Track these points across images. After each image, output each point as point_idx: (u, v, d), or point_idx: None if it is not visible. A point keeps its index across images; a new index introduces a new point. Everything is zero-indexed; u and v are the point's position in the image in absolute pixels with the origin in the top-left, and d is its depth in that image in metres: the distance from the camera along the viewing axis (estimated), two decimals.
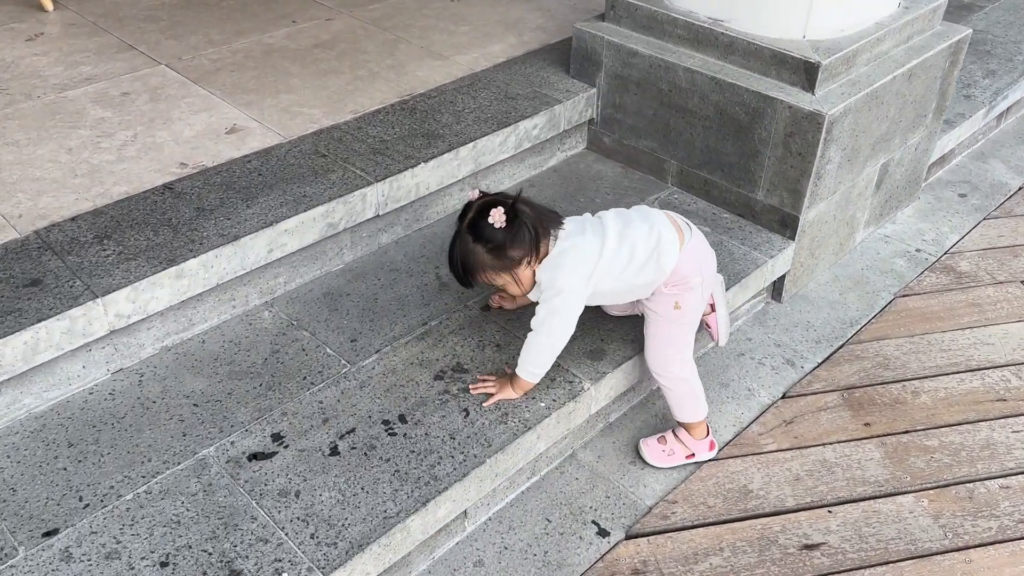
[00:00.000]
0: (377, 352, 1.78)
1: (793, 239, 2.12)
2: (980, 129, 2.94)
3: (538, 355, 1.62)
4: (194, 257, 1.71)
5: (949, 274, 2.38)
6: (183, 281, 1.71)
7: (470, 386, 1.69)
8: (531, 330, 1.62)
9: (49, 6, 2.76)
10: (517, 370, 1.64)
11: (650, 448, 1.81)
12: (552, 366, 1.68)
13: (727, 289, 1.97)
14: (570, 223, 1.65)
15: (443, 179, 2.13)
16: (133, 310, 1.66)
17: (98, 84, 2.33)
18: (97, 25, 2.67)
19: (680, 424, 1.80)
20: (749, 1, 2.06)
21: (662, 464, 1.80)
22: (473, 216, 1.59)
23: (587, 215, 1.72)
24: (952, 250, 2.48)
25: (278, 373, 1.72)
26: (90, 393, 1.66)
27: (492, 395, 1.67)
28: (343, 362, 1.75)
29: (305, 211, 1.86)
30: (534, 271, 1.62)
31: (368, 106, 2.29)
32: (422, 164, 2.05)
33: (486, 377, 1.71)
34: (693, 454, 1.80)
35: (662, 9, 2.21)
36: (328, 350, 1.78)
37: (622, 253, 1.61)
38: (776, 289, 2.22)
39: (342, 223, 1.95)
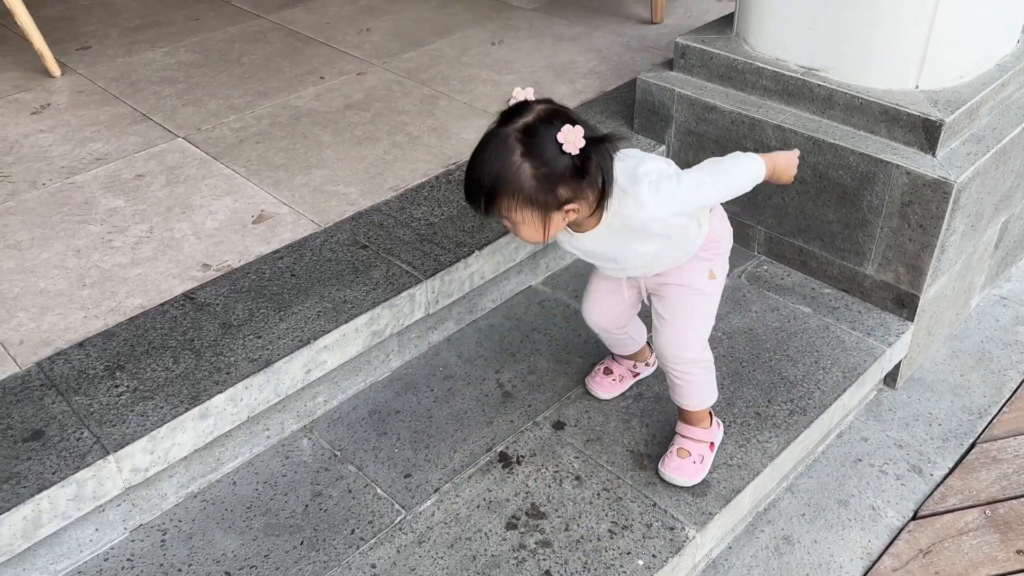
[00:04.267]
0: (436, 491, 1.51)
1: (911, 320, 1.82)
2: None
3: (739, 177, 1.36)
4: (220, 392, 1.46)
5: None
6: (208, 421, 1.46)
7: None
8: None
9: (56, 71, 2.54)
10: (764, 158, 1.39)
11: (680, 468, 1.50)
12: (648, 506, 1.40)
13: (843, 387, 1.68)
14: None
15: (499, 265, 1.86)
16: (151, 462, 1.40)
17: (109, 165, 2.09)
18: (108, 92, 2.44)
19: (685, 422, 1.53)
20: (850, 47, 1.77)
21: (696, 478, 1.50)
22: (532, 121, 1.20)
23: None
24: None
25: (321, 525, 1.46)
26: (105, 560, 1.42)
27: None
28: (397, 507, 1.49)
29: (346, 322, 1.60)
30: (569, 220, 1.26)
31: (410, 180, 2.02)
32: (476, 253, 1.78)
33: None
34: (712, 443, 1.54)
35: (744, 57, 1.92)
36: (378, 490, 1.52)
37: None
38: (890, 374, 1.92)
39: (388, 329, 1.68)
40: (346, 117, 2.30)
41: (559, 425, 1.63)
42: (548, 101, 1.25)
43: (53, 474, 1.32)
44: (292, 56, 2.63)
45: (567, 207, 1.22)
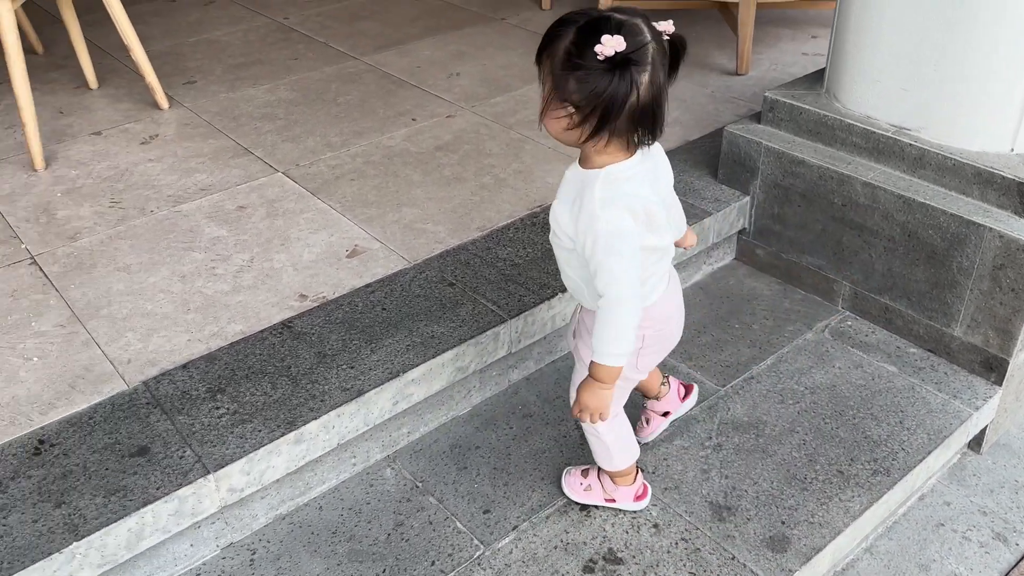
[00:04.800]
0: (514, 529, 1.54)
1: (1000, 384, 1.79)
2: None
3: (613, 330, 1.24)
4: (315, 419, 1.52)
5: None
6: (302, 446, 1.52)
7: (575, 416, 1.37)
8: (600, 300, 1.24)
9: (165, 104, 2.69)
10: (593, 358, 1.27)
11: (570, 478, 1.59)
12: (726, 559, 1.41)
13: (928, 450, 1.66)
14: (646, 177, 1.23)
15: None
16: (247, 483, 1.47)
17: (213, 196, 2.21)
18: (212, 126, 2.57)
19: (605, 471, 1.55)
20: (943, 109, 1.77)
21: (577, 497, 1.57)
22: (603, 18, 1.11)
23: (658, 181, 1.31)
24: None
25: (403, 555, 1.50)
26: (197, 575, 1.48)
27: (583, 407, 1.32)
28: (476, 542, 1.52)
29: (434, 356, 1.65)
30: (562, 127, 1.17)
31: (496, 220, 2.08)
32: (559, 295, 1.82)
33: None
34: (614, 500, 1.55)
35: (834, 114, 1.94)
36: (458, 524, 1.55)
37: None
38: (975, 438, 1.88)
39: (472, 366, 1.73)
40: (436, 158, 2.38)
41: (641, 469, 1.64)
42: (651, 29, 1.14)
43: (157, 489, 1.39)
44: (385, 98, 2.74)
45: (564, 103, 1.14)
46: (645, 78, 1.12)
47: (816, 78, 2.12)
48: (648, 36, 1.12)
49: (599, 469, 1.56)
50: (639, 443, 1.61)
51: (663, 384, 1.66)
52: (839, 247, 1.97)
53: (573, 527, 1.54)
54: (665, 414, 1.67)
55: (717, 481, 1.62)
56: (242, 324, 1.75)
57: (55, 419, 1.53)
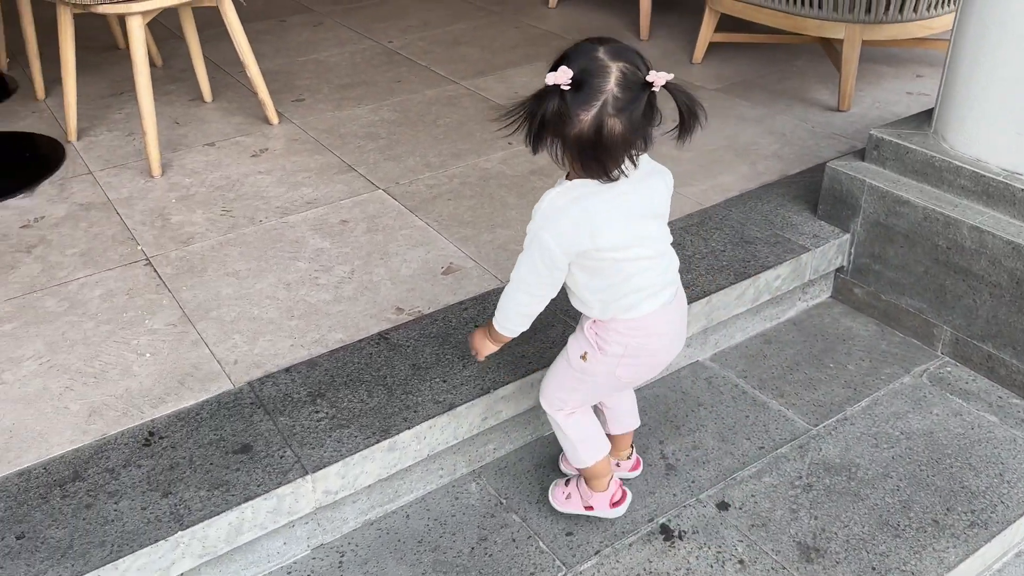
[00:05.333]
0: (597, 553, 1.54)
1: None
2: None
3: (509, 308, 1.39)
4: (408, 429, 1.56)
5: None
6: (394, 454, 1.56)
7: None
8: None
9: (275, 119, 2.82)
10: (493, 320, 1.43)
11: (556, 488, 1.63)
12: None
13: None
14: (635, 188, 1.28)
15: None
16: (342, 486, 1.52)
17: (318, 209, 2.30)
18: (319, 142, 2.68)
19: (578, 470, 1.57)
20: None
21: (560, 507, 1.61)
22: (574, 49, 1.21)
23: (652, 195, 1.32)
24: None
25: (486, 570, 1.52)
26: (288, 573, 1.53)
27: (471, 342, 1.49)
28: (558, 563, 1.53)
29: (524, 376, 1.68)
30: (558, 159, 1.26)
31: None
32: None
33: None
34: (592, 507, 1.57)
35: (942, 155, 1.90)
36: (541, 543, 1.57)
37: (608, 271, 1.31)
38: None
39: None
40: (530, 182, 2.42)
41: (723, 505, 1.63)
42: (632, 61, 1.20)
43: (258, 486, 1.45)
44: (483, 121, 2.81)
45: (550, 139, 1.24)
46: (586, 115, 1.17)
47: (923, 118, 2.08)
48: (610, 82, 1.17)
49: (578, 478, 1.60)
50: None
51: (628, 455, 1.68)
52: (941, 291, 1.92)
53: (656, 557, 1.54)
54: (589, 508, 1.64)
55: (806, 521, 1.59)
56: (342, 333, 1.81)
57: (165, 413, 1.62)
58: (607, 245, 1.29)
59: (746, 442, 1.78)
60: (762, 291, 2.00)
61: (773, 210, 2.22)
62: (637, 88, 1.18)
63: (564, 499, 1.61)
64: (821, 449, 1.75)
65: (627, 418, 1.64)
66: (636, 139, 1.21)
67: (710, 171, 2.44)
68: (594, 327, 1.40)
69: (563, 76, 1.16)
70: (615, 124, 1.18)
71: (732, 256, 2.03)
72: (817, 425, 1.81)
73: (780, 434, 1.79)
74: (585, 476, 1.57)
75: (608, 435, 1.61)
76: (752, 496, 1.65)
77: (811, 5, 2.74)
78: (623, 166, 1.25)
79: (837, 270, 2.15)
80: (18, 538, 1.35)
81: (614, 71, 1.17)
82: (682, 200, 2.29)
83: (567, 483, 1.63)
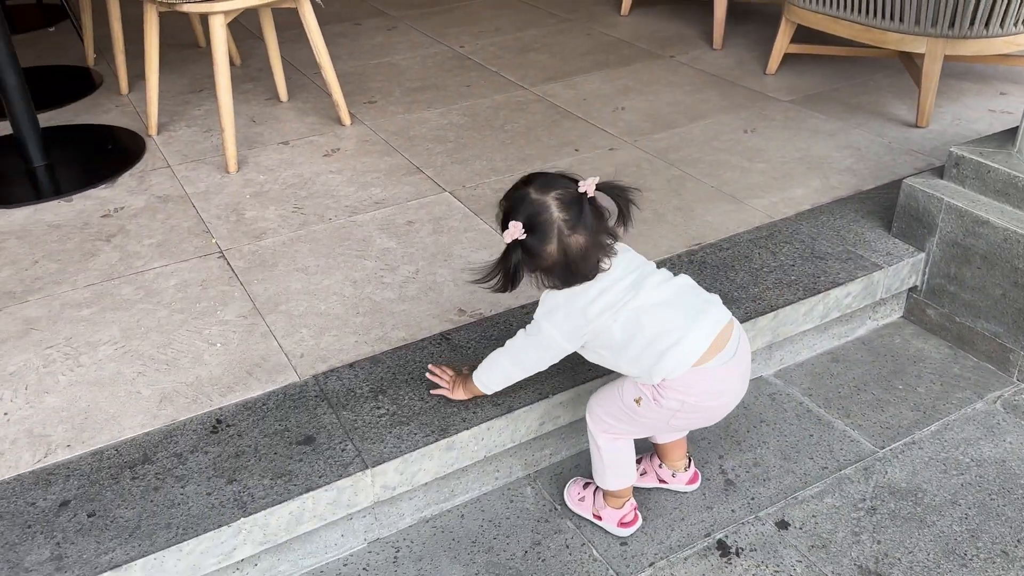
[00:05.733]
0: (651, 565, 1.53)
1: None
2: None
3: (497, 375, 1.53)
4: (466, 429, 1.57)
5: None
6: (452, 454, 1.57)
7: (427, 373, 1.65)
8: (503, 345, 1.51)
9: (347, 120, 2.87)
10: (474, 374, 1.55)
11: (573, 486, 1.66)
12: None
13: None
14: (612, 276, 1.39)
15: None
16: (400, 482, 1.54)
17: (386, 210, 2.34)
18: (389, 144, 2.72)
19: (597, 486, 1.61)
20: None
21: (571, 505, 1.64)
22: (516, 199, 1.38)
23: (643, 270, 1.44)
24: None
25: (538, 574, 1.52)
26: (344, 564, 1.56)
27: (441, 390, 1.61)
28: (611, 572, 1.52)
29: (583, 383, 1.67)
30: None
31: (653, 255, 2.09)
32: None
33: (444, 369, 1.63)
34: (600, 518, 1.60)
35: None
36: (594, 551, 1.56)
37: (617, 331, 1.38)
38: None
39: None
40: None
41: (783, 524, 1.60)
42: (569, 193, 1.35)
43: (319, 478, 1.48)
44: (550, 128, 2.81)
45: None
46: (551, 247, 1.34)
47: (1007, 136, 2.01)
48: (553, 211, 1.33)
49: (593, 490, 1.62)
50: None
51: (685, 467, 1.66)
52: (1020, 315, 1.85)
53: (712, 572, 1.51)
54: (664, 481, 1.66)
55: (869, 545, 1.55)
56: (404, 331, 1.84)
57: (232, 402, 1.66)
58: (596, 312, 1.38)
59: (809, 461, 1.74)
60: (831, 308, 1.96)
61: (846, 226, 2.17)
62: (576, 203, 1.33)
63: (577, 499, 1.63)
64: (887, 472, 1.70)
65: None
66: (600, 239, 1.36)
67: (781, 184, 2.40)
68: (657, 385, 1.41)
69: (517, 230, 1.32)
70: (576, 239, 1.34)
71: (801, 271, 2.00)
72: (883, 448, 1.76)
73: (844, 455, 1.75)
74: (603, 493, 1.59)
75: (655, 444, 1.62)
76: (813, 516, 1.62)
77: (892, 18, 2.68)
78: (601, 263, 1.38)
79: (910, 289, 2.09)
80: (89, 516, 1.40)
81: (551, 202, 1.33)
82: (751, 213, 2.26)
83: (585, 486, 1.64)
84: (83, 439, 1.57)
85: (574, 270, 1.36)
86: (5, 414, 1.63)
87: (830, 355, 2.04)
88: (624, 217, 1.37)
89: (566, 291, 1.40)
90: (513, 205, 1.36)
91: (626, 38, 3.62)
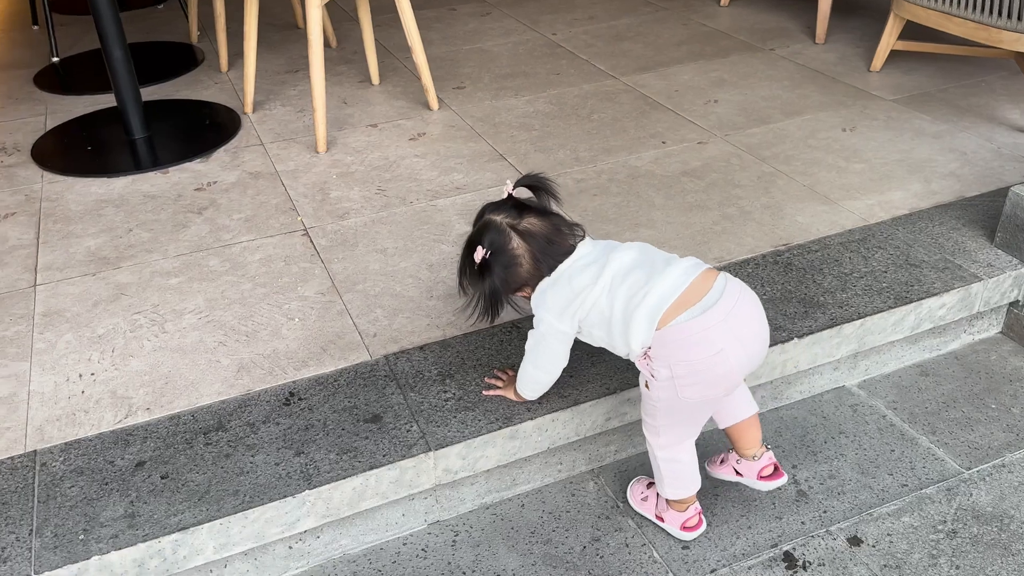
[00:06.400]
0: (712, 572, 1.49)
1: None
2: None
3: (527, 382, 1.55)
4: (531, 419, 1.56)
5: None
6: (515, 443, 1.57)
7: (486, 377, 1.66)
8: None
9: (435, 105, 2.89)
10: (516, 384, 1.59)
11: (636, 484, 1.64)
12: None
13: None
14: (580, 250, 1.46)
15: (816, 358, 1.79)
16: (462, 467, 1.54)
17: (466, 195, 2.34)
18: (474, 130, 2.73)
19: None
20: None
21: (634, 504, 1.62)
22: (475, 233, 1.50)
23: (611, 243, 1.50)
24: None
25: (595, 570, 1.50)
26: (404, 544, 1.57)
27: (497, 390, 1.62)
28: (670, 574, 1.49)
29: None
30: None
31: (735, 254, 2.03)
32: (795, 340, 1.74)
33: (502, 373, 1.66)
34: (662, 519, 1.57)
35: None
36: (655, 552, 1.53)
37: (601, 305, 1.41)
38: None
39: None
40: (680, 183, 2.36)
41: (855, 541, 1.53)
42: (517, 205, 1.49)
43: (383, 456, 1.49)
44: (638, 118, 2.76)
45: (524, 286, 1.50)
46: (514, 242, 1.45)
47: None
48: (502, 219, 1.47)
49: (658, 491, 1.56)
50: (704, 474, 1.57)
51: (755, 455, 1.54)
52: None
53: None
54: (739, 474, 1.58)
55: (946, 569, 1.47)
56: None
57: (306, 376, 1.69)
58: (580, 283, 1.43)
59: (888, 477, 1.66)
60: (923, 319, 1.86)
61: (945, 233, 2.06)
62: (510, 205, 1.49)
63: (640, 499, 1.61)
64: (972, 494, 1.61)
65: (737, 408, 1.52)
66: (552, 219, 1.48)
67: (879, 186, 2.29)
68: (646, 356, 1.40)
69: (482, 252, 1.44)
70: (530, 222, 1.46)
71: (894, 279, 1.90)
72: (970, 468, 1.67)
73: (927, 473, 1.66)
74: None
75: (726, 432, 1.56)
76: (888, 535, 1.54)
77: (1009, 16, 2.52)
78: (568, 235, 1.48)
79: (1011, 304, 1.97)
80: (163, 477, 1.46)
81: (489, 215, 1.49)
82: (844, 215, 2.17)
83: (648, 485, 1.61)
84: (162, 403, 1.63)
85: (544, 248, 1.45)
86: (92, 374, 1.71)
87: (919, 368, 1.94)
88: (549, 193, 1.50)
89: (549, 278, 1.45)
90: (476, 236, 1.48)
91: (725, 29, 3.53)
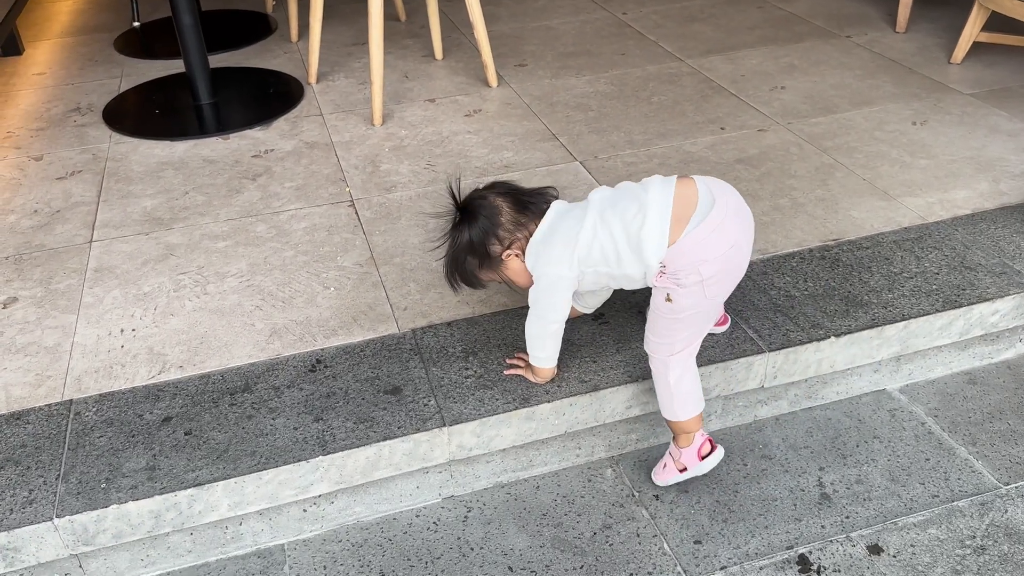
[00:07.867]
0: (722, 569, 1.46)
1: None
2: None
3: (536, 341, 1.56)
4: (548, 402, 1.56)
5: None
6: (532, 424, 1.57)
7: (506, 358, 1.66)
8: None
9: (494, 82, 2.88)
10: (529, 359, 1.59)
11: (655, 468, 1.64)
12: None
13: None
14: (556, 205, 1.55)
15: (854, 359, 1.73)
16: (476, 444, 1.55)
17: (513, 174, 2.33)
18: (530, 108, 2.71)
19: (668, 422, 1.58)
20: None
21: (660, 481, 1.62)
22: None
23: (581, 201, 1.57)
24: None
25: (604, 557, 1.49)
26: (416, 516, 1.59)
27: (516, 370, 1.62)
28: (679, 569, 1.47)
29: None
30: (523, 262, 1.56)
31: (781, 246, 1.97)
32: (832, 338, 1.68)
33: (523, 355, 1.63)
34: (685, 467, 1.58)
35: None
36: (666, 545, 1.51)
37: (600, 239, 1.46)
38: None
39: (716, 390, 1.66)
40: (734, 170, 2.30)
41: (875, 549, 1.48)
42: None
43: (398, 428, 1.51)
44: (699, 103, 2.70)
45: (505, 252, 1.56)
46: (490, 198, 1.56)
47: None
48: (479, 191, 1.61)
49: (669, 447, 1.61)
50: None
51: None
52: None
53: None
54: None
55: None
56: (507, 297, 1.84)
57: (334, 344, 1.73)
58: (568, 225, 1.49)
59: (919, 487, 1.60)
60: (973, 325, 1.77)
61: (1007, 236, 1.95)
62: (479, 194, 1.59)
63: (663, 471, 1.62)
64: (1007, 511, 1.53)
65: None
66: (522, 188, 1.60)
67: (943, 184, 2.18)
68: (663, 273, 1.45)
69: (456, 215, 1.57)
70: (501, 189, 1.59)
71: (945, 281, 1.82)
72: (1008, 484, 1.58)
73: (961, 485, 1.59)
74: (674, 430, 1.57)
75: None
76: (911, 546, 1.48)
77: None
78: (540, 195, 1.57)
79: None
80: (186, 434, 1.51)
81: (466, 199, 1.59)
82: (901, 212, 2.07)
83: (664, 458, 1.63)
84: (195, 362, 1.69)
85: (521, 199, 1.55)
86: (133, 330, 1.79)
87: (967, 376, 1.85)
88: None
89: (536, 235, 1.52)
90: (463, 213, 1.58)
91: (801, 14, 3.40)
